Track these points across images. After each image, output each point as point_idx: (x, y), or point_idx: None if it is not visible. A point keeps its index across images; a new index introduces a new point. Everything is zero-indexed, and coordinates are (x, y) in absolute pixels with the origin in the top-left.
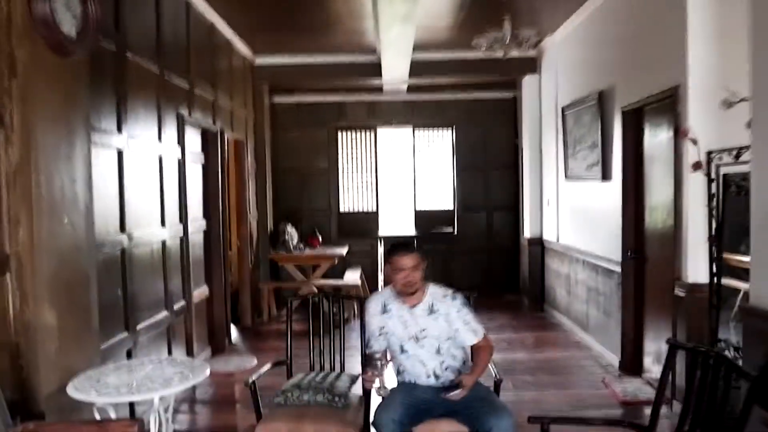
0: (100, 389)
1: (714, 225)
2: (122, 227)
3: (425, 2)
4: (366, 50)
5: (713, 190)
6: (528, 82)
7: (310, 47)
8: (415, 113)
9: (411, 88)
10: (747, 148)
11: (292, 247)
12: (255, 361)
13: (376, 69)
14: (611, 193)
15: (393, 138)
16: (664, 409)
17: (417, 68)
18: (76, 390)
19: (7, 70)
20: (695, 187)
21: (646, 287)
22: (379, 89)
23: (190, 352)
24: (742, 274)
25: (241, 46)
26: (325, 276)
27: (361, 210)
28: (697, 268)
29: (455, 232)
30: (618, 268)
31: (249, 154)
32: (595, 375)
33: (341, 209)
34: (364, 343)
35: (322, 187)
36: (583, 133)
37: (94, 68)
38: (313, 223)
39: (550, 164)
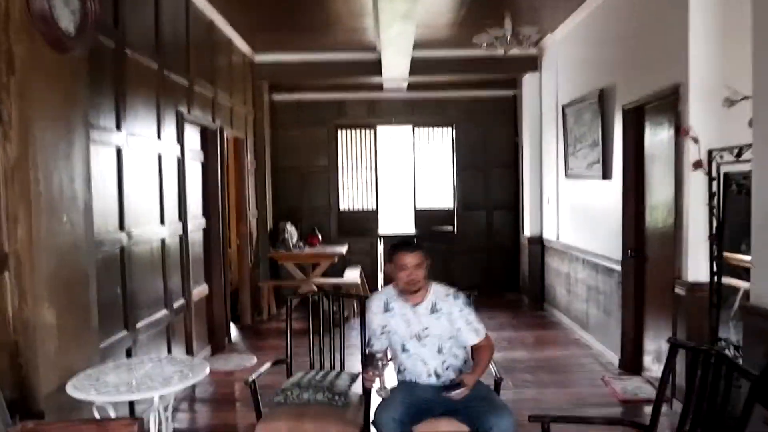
0: (99, 388)
1: (715, 224)
2: (121, 225)
3: (426, 0)
4: (366, 48)
5: (714, 188)
6: (528, 80)
7: (311, 45)
8: (416, 111)
9: (411, 87)
10: (748, 146)
11: (291, 245)
12: (255, 360)
13: (376, 67)
14: (612, 192)
15: (393, 136)
16: (663, 408)
17: (417, 66)
18: (75, 389)
19: (5, 67)
20: (696, 185)
21: (646, 286)
22: (379, 87)
23: (189, 351)
24: (743, 273)
25: (240, 44)
26: (324, 274)
27: (360, 208)
28: (697, 267)
29: (455, 231)
30: (618, 267)
31: (248, 152)
32: (594, 373)
33: (341, 208)
34: (365, 342)
35: (321, 185)
36: (584, 132)
37: (93, 65)
38: (313, 221)
39: (550, 163)
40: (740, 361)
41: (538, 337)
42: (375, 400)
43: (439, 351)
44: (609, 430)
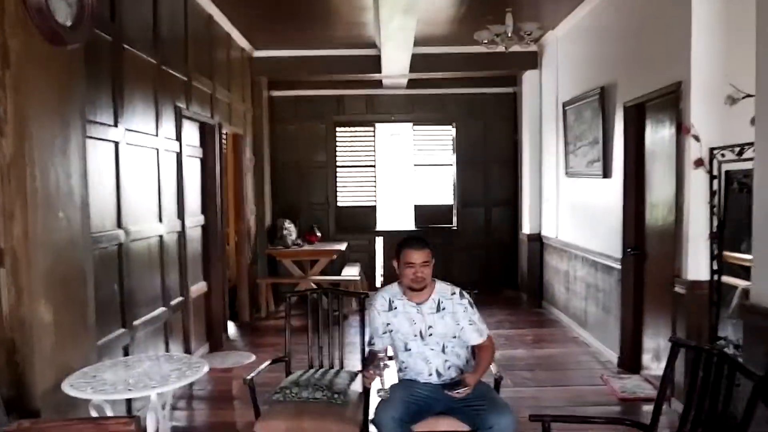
0: (96, 386)
1: (715, 222)
2: (119, 222)
3: None
4: (366, 44)
5: (715, 187)
6: (528, 77)
7: (310, 40)
8: (415, 108)
9: (411, 83)
10: (750, 145)
11: (290, 242)
12: (253, 358)
13: (375, 63)
14: (612, 190)
15: (392, 132)
16: (663, 407)
17: (417, 63)
18: (72, 387)
19: (0, 60)
20: (697, 183)
21: (646, 284)
22: (378, 83)
23: (187, 349)
24: (741, 272)
25: (239, 39)
26: (323, 272)
27: (359, 205)
28: (697, 266)
29: (454, 228)
30: (618, 265)
31: (247, 148)
32: (593, 372)
33: (340, 204)
34: (366, 341)
35: (320, 181)
36: (584, 130)
37: (90, 59)
38: (312, 217)
39: (550, 160)
40: (740, 360)
41: (537, 335)
42: (374, 399)
43: (443, 350)
44: (609, 429)
